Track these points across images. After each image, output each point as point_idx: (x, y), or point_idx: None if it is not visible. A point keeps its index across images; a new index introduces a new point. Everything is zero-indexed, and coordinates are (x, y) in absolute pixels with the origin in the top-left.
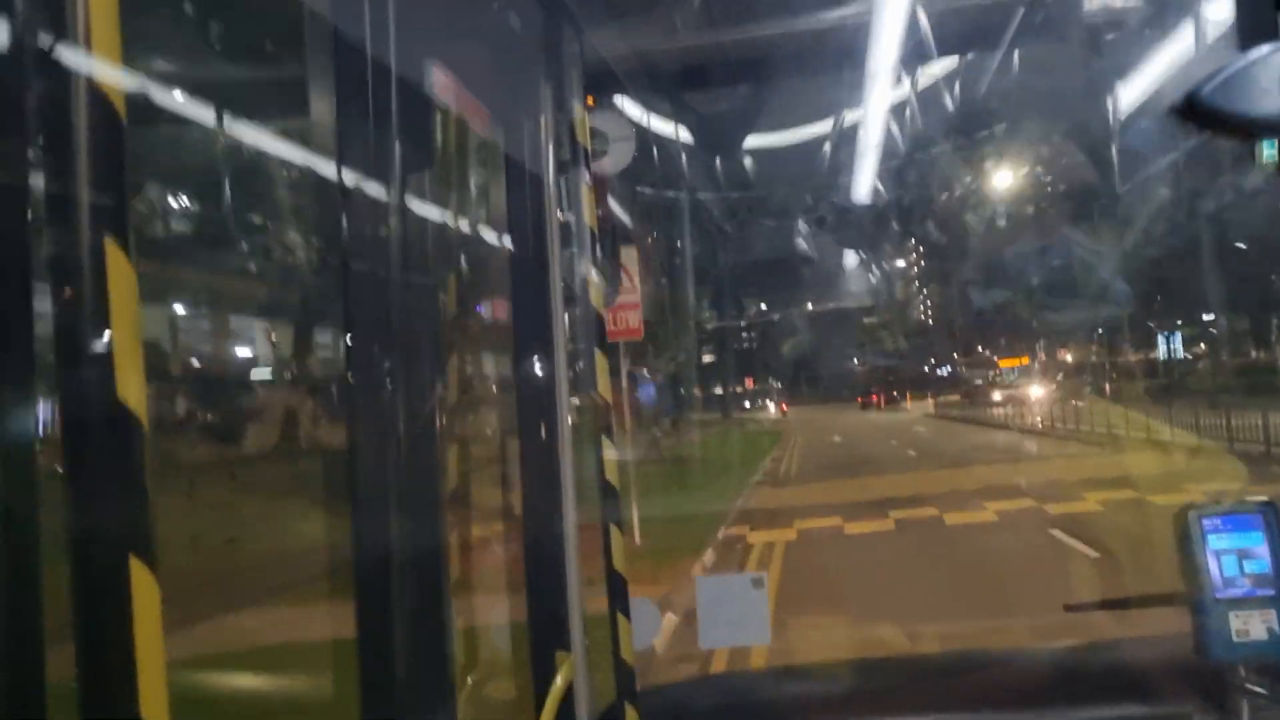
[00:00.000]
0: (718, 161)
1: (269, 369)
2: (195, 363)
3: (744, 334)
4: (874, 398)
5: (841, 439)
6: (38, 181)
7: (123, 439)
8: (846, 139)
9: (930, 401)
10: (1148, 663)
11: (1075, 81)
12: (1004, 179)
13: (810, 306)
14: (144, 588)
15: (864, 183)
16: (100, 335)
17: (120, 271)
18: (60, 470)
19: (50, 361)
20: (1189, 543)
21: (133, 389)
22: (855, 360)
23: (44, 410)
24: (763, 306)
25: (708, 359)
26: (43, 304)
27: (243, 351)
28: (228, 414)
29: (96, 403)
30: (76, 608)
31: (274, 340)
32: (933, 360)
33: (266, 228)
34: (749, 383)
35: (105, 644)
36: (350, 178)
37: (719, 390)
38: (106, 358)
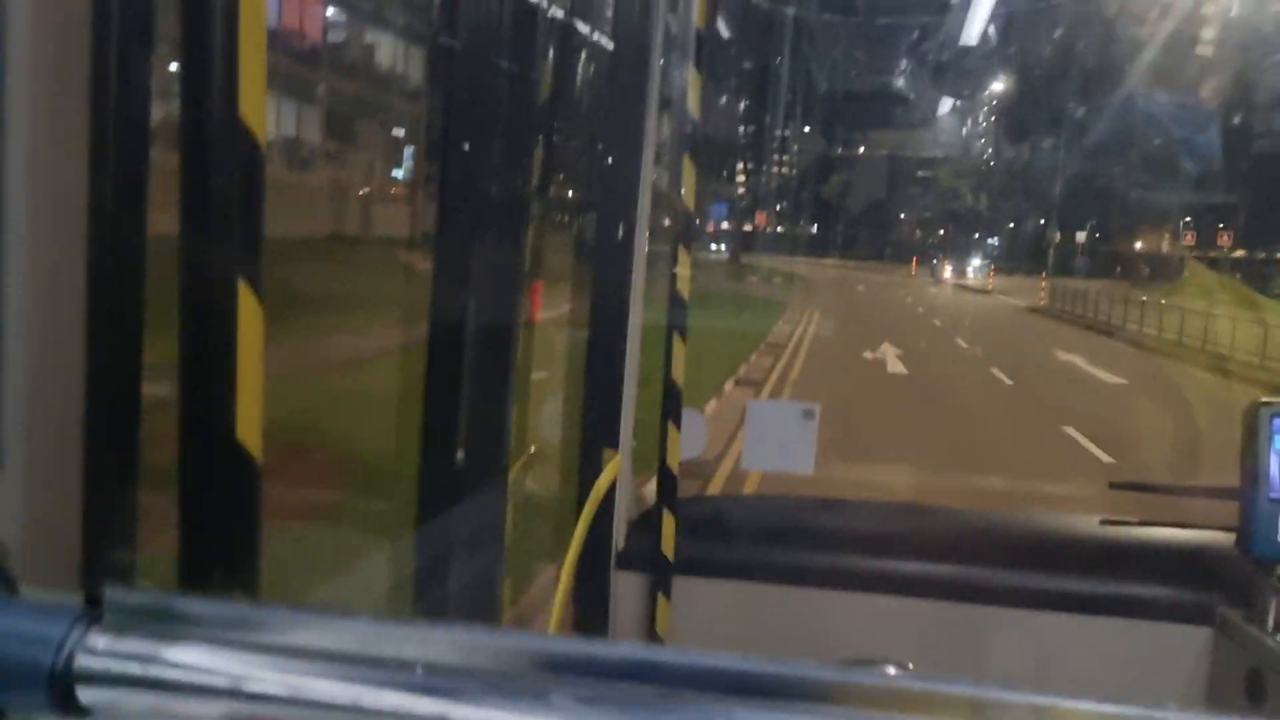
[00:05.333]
0: None
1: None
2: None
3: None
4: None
5: (906, 369)
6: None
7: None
8: None
9: (1041, 283)
10: (1184, 548)
11: None
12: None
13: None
14: (250, 313)
15: (977, 23)
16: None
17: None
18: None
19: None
20: (1254, 438)
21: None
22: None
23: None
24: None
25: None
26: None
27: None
28: None
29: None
30: (184, 329)
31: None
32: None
33: None
34: (760, 219)
35: (209, 366)
36: None
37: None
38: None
